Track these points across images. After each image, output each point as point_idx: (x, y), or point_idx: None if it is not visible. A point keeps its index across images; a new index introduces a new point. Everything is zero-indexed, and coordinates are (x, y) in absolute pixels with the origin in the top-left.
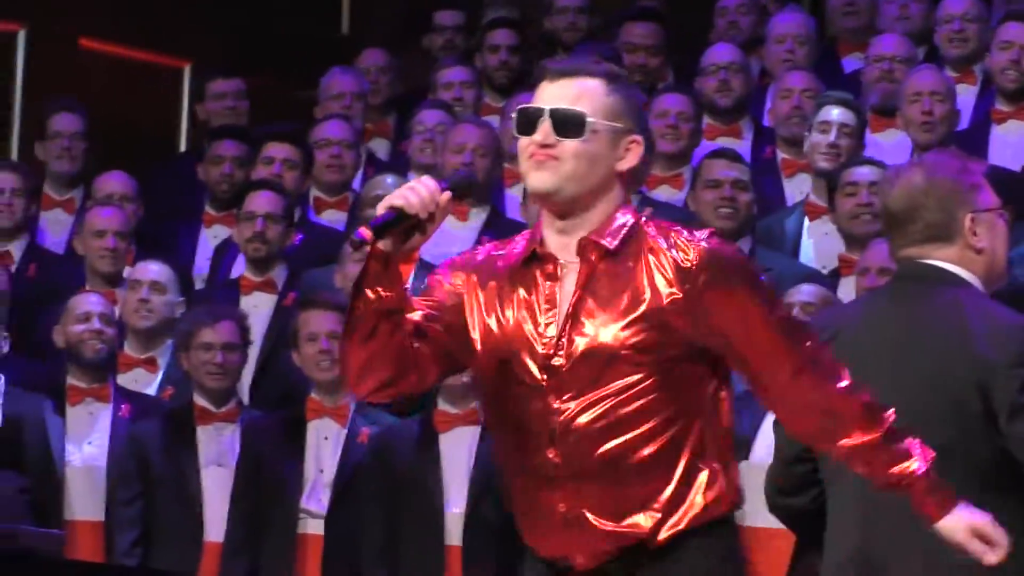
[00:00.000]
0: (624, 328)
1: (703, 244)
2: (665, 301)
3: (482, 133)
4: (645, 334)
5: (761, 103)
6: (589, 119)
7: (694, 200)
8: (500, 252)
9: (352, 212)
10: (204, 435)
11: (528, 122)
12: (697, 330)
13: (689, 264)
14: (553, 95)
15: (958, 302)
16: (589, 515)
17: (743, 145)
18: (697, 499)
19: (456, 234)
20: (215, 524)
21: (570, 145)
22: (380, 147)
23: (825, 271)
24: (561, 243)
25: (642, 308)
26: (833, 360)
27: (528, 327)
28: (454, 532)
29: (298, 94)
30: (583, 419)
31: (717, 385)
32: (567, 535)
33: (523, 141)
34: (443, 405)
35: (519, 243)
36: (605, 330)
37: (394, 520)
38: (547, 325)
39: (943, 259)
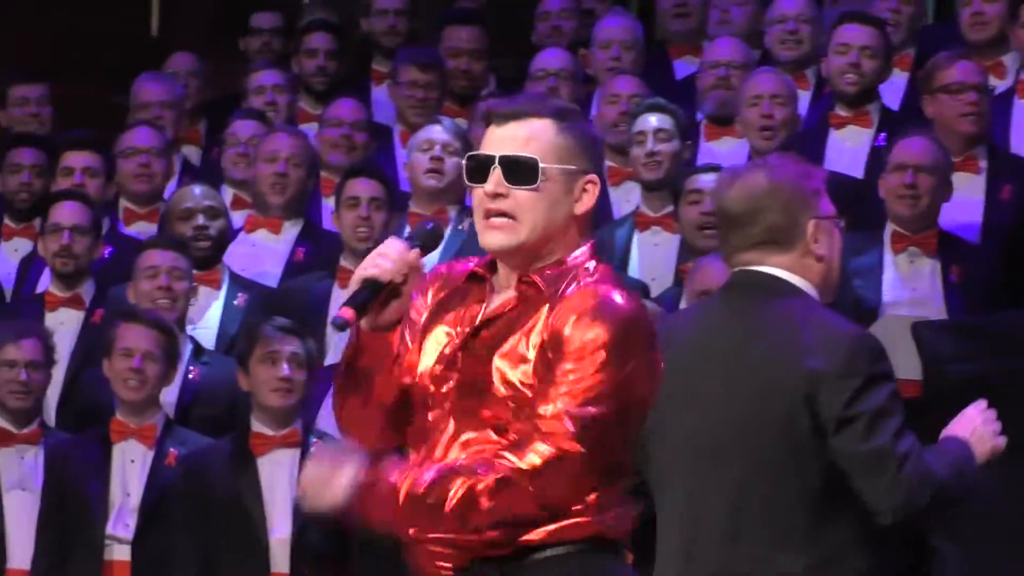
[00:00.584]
0: (505, 365)
1: (589, 287)
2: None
3: (295, 142)
4: (522, 374)
5: (586, 110)
6: (541, 165)
7: None
8: (462, 267)
9: (161, 223)
10: (5, 458)
11: (478, 170)
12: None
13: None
14: (501, 140)
15: (791, 312)
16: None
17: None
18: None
19: (269, 248)
20: (19, 550)
21: (523, 196)
22: (191, 154)
23: (653, 283)
24: (506, 272)
25: (526, 352)
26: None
27: (442, 344)
28: (280, 559)
29: (113, 99)
30: (458, 447)
31: None
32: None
33: (476, 192)
34: (258, 427)
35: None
36: (494, 363)
37: (211, 546)
38: (452, 346)
39: (779, 266)
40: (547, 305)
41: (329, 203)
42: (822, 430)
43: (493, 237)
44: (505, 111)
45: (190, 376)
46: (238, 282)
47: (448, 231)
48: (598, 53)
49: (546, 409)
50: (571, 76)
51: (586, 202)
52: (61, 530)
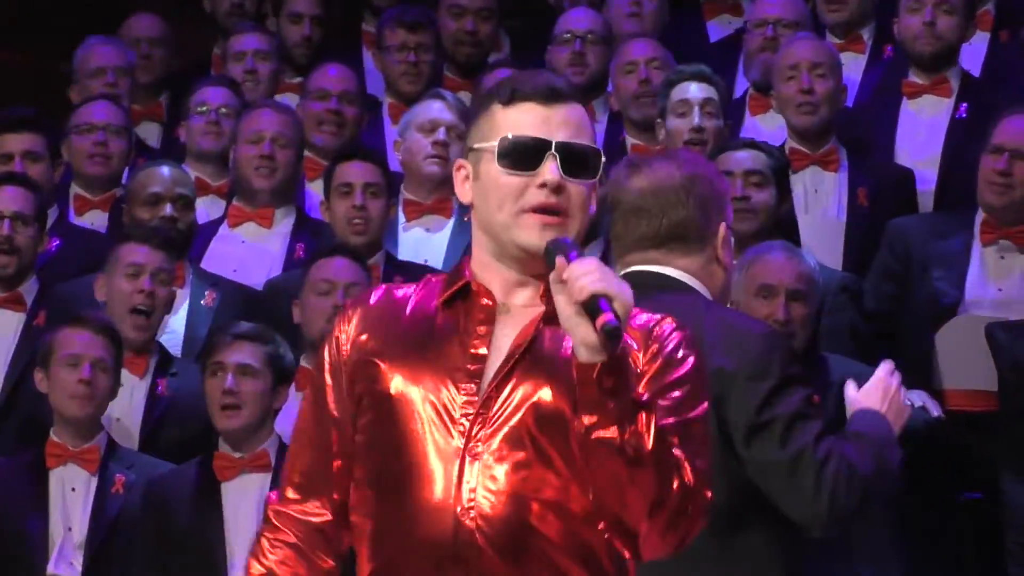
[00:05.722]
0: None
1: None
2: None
3: (282, 119)
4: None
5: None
6: (602, 158)
7: None
8: (401, 293)
9: (114, 211)
10: None
11: (525, 156)
12: None
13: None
14: (554, 123)
15: (695, 306)
16: None
17: (596, 130)
18: None
19: (263, 244)
20: None
21: (577, 192)
22: (151, 133)
23: None
24: (512, 284)
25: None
26: None
27: (444, 380)
28: None
29: (61, 69)
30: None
31: None
32: None
33: (516, 181)
34: (224, 448)
35: (429, 285)
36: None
37: None
38: (471, 379)
39: (684, 269)
40: None
41: (315, 189)
42: (727, 438)
43: (544, 236)
44: (551, 87)
45: (158, 390)
46: (204, 278)
47: (451, 223)
48: (613, 8)
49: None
50: (601, 40)
51: (594, 204)
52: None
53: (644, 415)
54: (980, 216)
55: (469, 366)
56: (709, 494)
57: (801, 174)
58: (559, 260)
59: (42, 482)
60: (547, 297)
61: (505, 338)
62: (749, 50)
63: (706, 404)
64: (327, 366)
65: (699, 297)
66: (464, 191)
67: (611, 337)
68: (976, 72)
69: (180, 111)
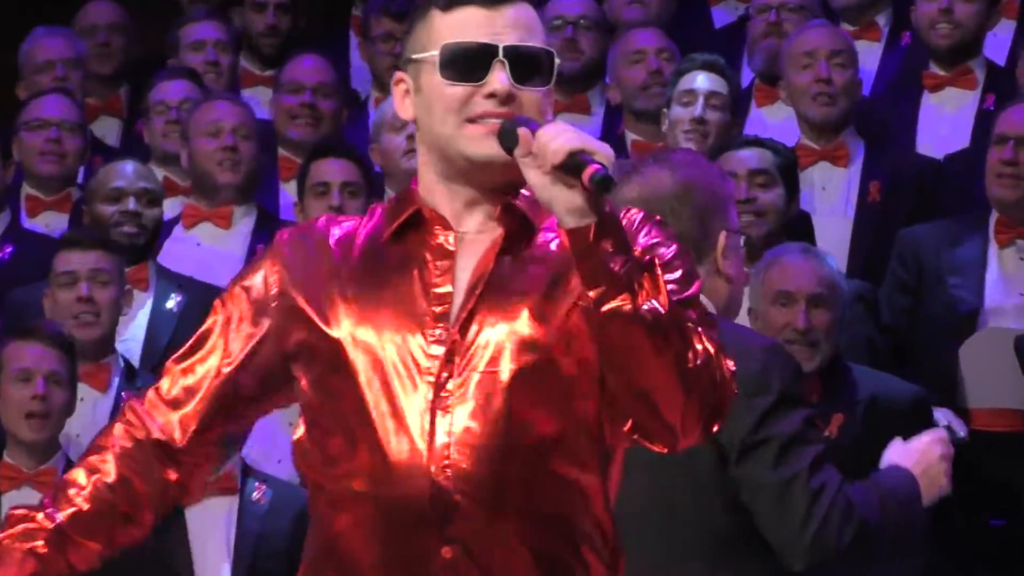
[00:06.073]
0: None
1: None
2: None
3: (241, 111)
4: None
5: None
6: (557, 60)
7: None
8: (347, 224)
9: (75, 213)
10: None
11: (470, 64)
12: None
13: None
14: (500, 26)
15: None
16: None
17: (591, 124)
18: None
19: (222, 247)
20: None
21: (531, 99)
22: (109, 129)
23: None
24: (463, 204)
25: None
26: None
27: (408, 324)
28: None
29: (7, 59)
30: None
31: None
32: None
33: (461, 91)
34: (10, 458)
35: (375, 214)
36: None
37: None
38: (437, 321)
39: None
40: (542, 240)
41: (288, 190)
42: (723, 458)
43: (492, 144)
44: None
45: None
46: (170, 279)
47: None
48: None
49: None
50: (594, 24)
51: (551, 113)
52: None
53: (650, 275)
54: (994, 216)
55: (434, 308)
56: (732, 363)
57: (809, 171)
58: (522, 132)
59: None
60: (504, 217)
61: (463, 272)
62: (752, 37)
63: (699, 283)
64: (244, 296)
65: None
66: (404, 107)
67: (603, 186)
68: (1002, 62)
69: (141, 105)
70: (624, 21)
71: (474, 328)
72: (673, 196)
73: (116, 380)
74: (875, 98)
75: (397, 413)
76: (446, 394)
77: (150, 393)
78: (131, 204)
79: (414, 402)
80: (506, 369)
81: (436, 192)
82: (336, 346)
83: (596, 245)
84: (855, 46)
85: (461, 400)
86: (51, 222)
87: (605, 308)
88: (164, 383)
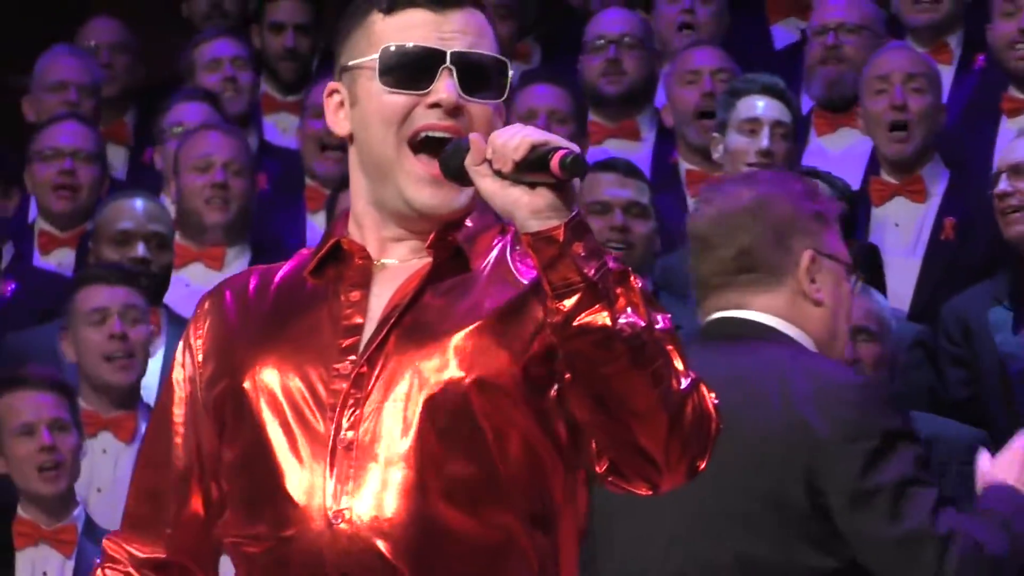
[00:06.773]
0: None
1: None
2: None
3: (234, 144)
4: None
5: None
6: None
7: None
8: (274, 272)
9: (81, 251)
10: None
11: (414, 71)
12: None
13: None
14: (448, 31)
15: (777, 360)
16: None
17: (641, 151)
18: None
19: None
20: None
21: (480, 113)
22: (116, 158)
23: None
24: (381, 243)
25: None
26: None
27: (312, 361)
28: None
29: (10, 81)
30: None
31: None
32: None
33: (402, 101)
34: (25, 513)
35: (302, 255)
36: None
37: None
38: (344, 355)
39: (767, 310)
40: (476, 273)
41: (316, 222)
42: (824, 510)
43: (436, 197)
44: None
45: None
46: (181, 325)
47: None
48: (665, 9)
49: None
50: (638, 43)
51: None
52: None
53: (625, 286)
54: None
55: (341, 341)
56: (714, 394)
57: (883, 208)
58: (474, 138)
59: (6, 565)
60: (435, 247)
61: (379, 302)
62: (810, 62)
63: (668, 316)
64: (177, 379)
65: (785, 347)
66: (338, 121)
67: (575, 168)
68: None
69: (149, 132)
70: (674, 48)
71: (381, 360)
72: (746, 210)
73: (144, 430)
74: (950, 127)
75: (296, 456)
76: (344, 431)
77: (123, 523)
78: (140, 250)
79: (314, 443)
80: (416, 405)
81: (366, 219)
82: (240, 395)
83: (567, 247)
84: (937, 69)
85: (363, 437)
86: (64, 259)
87: (578, 322)
88: (128, 503)
